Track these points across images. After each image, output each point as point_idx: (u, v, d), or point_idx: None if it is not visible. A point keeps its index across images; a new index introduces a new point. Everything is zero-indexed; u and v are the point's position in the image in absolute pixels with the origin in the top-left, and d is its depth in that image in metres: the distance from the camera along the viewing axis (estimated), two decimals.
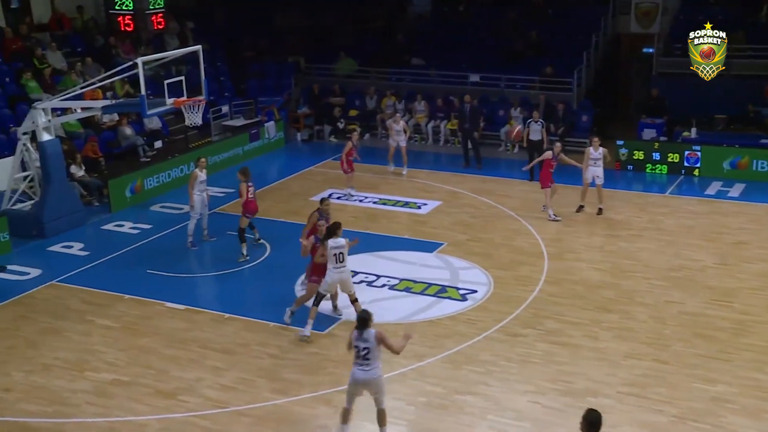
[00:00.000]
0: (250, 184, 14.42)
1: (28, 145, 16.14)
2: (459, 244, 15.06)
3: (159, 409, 10.02)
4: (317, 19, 26.72)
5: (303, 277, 12.73)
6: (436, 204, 17.40)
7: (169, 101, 15.38)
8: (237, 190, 14.79)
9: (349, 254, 11.53)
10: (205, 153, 18.68)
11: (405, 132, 19.49)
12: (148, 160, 19.27)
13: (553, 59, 22.58)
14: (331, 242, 11.30)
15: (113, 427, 9.70)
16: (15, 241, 15.38)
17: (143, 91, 14.96)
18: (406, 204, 17.50)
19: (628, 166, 19.50)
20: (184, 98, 15.61)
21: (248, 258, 14.45)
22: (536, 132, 18.73)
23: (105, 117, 19.43)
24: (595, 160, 16.05)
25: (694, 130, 19.84)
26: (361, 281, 13.48)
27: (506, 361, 10.92)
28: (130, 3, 21.38)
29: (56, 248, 15.41)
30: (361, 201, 17.68)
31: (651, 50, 22.82)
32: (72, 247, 15.46)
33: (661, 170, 19.26)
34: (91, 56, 21.00)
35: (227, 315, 12.47)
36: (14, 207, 16.14)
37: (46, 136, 15.80)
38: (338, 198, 17.56)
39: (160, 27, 22.53)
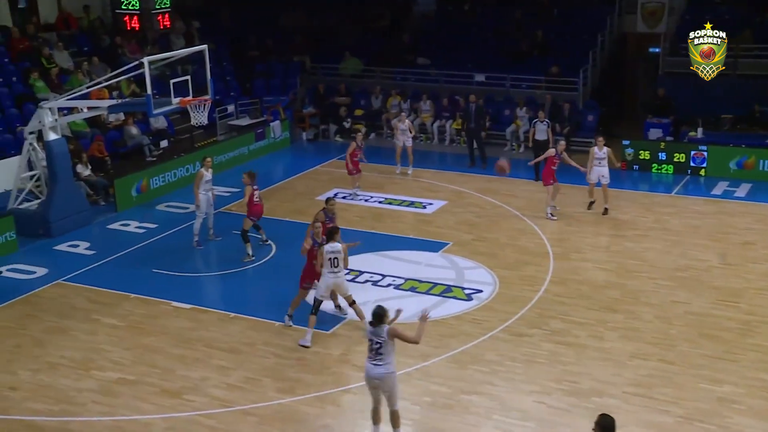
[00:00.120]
0: (255, 187, 14.42)
1: (35, 144, 16.18)
2: (464, 244, 15.05)
3: (164, 408, 10.04)
4: (323, 18, 26.74)
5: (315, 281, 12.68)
6: (441, 204, 17.39)
7: (175, 101, 15.41)
8: (243, 190, 14.79)
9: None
10: (211, 152, 18.69)
11: (410, 131, 19.47)
12: (154, 159, 19.31)
13: (559, 59, 22.55)
14: (327, 247, 11.28)
15: (119, 426, 9.72)
16: (22, 240, 15.43)
17: (149, 91, 14.98)
18: (411, 204, 17.50)
19: (634, 166, 19.47)
20: (190, 98, 15.63)
21: (254, 258, 14.47)
22: (542, 132, 18.72)
23: (111, 116, 19.48)
24: (599, 160, 16.03)
25: (700, 129, 19.79)
26: (367, 281, 13.49)
27: (511, 361, 10.91)
28: (136, 3, 21.44)
29: (62, 247, 15.46)
30: (366, 201, 17.68)
31: (657, 50, 22.77)
32: (78, 246, 15.50)
33: (667, 170, 19.22)
34: (98, 56, 21.04)
35: (233, 314, 12.50)
36: (21, 206, 16.20)
37: (52, 136, 15.85)
38: (343, 197, 17.57)
39: (166, 27, 22.58)
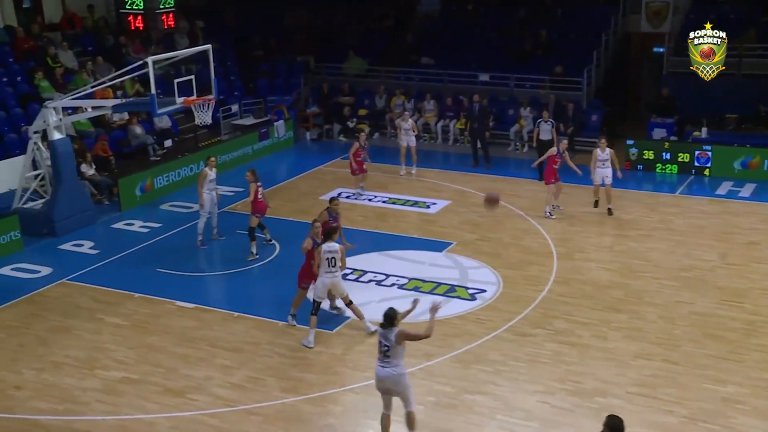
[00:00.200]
0: (259, 184, 14.46)
1: (39, 144, 16.22)
2: (468, 244, 15.04)
3: (168, 407, 10.06)
4: (327, 18, 26.76)
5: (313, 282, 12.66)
6: (445, 203, 17.39)
7: (179, 100, 15.43)
8: (247, 189, 14.81)
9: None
10: (215, 152, 18.71)
11: (413, 131, 19.45)
12: (158, 159, 19.34)
13: (563, 59, 22.52)
14: (324, 246, 11.28)
15: (123, 425, 9.74)
16: (26, 239, 15.46)
17: (153, 90, 15.00)
18: (415, 203, 17.50)
19: (638, 166, 19.44)
20: (194, 97, 15.65)
21: (257, 256, 14.49)
22: (546, 132, 18.69)
23: (115, 116, 19.52)
24: (603, 162, 16.03)
25: (704, 129, 19.75)
26: (370, 280, 13.49)
27: (515, 360, 10.91)
28: (140, 2, 21.50)
29: (67, 246, 15.49)
30: (370, 200, 17.68)
31: (661, 49, 22.73)
32: (82, 245, 15.53)
33: (671, 170, 19.19)
34: (102, 55, 21.09)
35: (237, 314, 12.51)
36: (25, 205, 16.24)
37: (57, 135, 15.88)
38: (347, 197, 17.57)
39: (170, 26, 22.61)
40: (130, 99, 18.82)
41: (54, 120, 15.79)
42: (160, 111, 15.66)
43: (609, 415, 6.98)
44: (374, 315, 12.19)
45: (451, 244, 15.06)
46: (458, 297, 12.84)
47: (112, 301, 13.08)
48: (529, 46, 23.60)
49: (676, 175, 19.05)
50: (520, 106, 21.69)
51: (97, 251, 15.21)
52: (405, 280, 13.44)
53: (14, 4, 21.82)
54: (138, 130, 19.62)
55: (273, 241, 15.11)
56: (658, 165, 19.30)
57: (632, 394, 10.03)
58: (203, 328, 12.09)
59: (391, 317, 8.74)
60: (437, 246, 15.00)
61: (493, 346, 11.32)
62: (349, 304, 11.65)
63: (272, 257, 14.67)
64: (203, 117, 15.90)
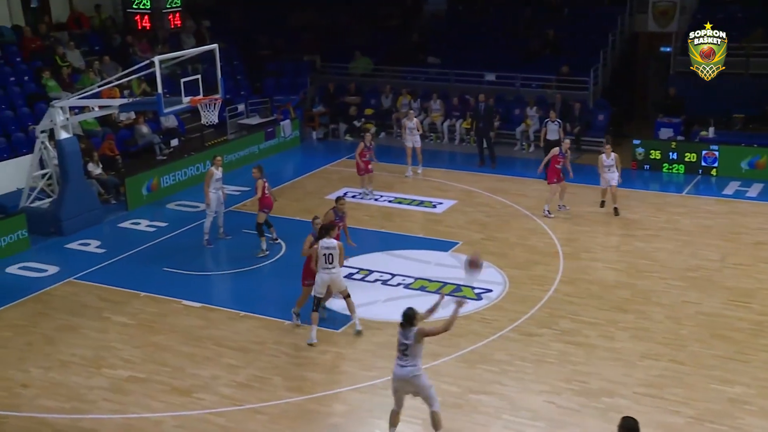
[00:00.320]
0: (265, 180, 14.49)
1: (47, 143, 16.27)
2: (474, 243, 15.02)
3: (174, 406, 10.08)
4: (333, 18, 26.75)
5: None
6: (451, 203, 17.37)
7: (186, 100, 15.45)
8: (254, 187, 14.82)
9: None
10: (221, 151, 18.75)
11: (418, 130, 19.39)
12: (165, 158, 19.37)
13: (570, 58, 22.48)
14: (322, 242, 11.27)
15: (129, 424, 9.76)
16: (33, 238, 15.51)
17: (160, 90, 15.03)
18: (421, 203, 17.49)
19: (645, 166, 19.39)
20: (201, 97, 15.67)
21: (268, 252, 14.52)
22: (553, 132, 18.65)
23: (122, 115, 19.56)
24: (608, 167, 16.04)
25: (711, 129, 19.68)
26: (376, 280, 13.49)
27: (521, 360, 10.89)
28: (147, 2, 21.51)
29: (74, 246, 15.53)
30: (376, 200, 17.68)
31: (668, 49, 22.66)
32: (89, 244, 15.57)
33: (678, 170, 19.14)
34: (109, 55, 21.13)
35: (243, 313, 12.52)
36: (33, 204, 16.29)
37: (64, 135, 15.92)
38: (353, 197, 17.57)
39: (177, 26, 22.64)
40: (137, 98, 18.85)
41: (61, 119, 15.83)
42: (166, 110, 15.68)
43: (624, 417, 6.95)
44: (380, 314, 12.24)
45: (457, 243, 15.05)
46: (464, 297, 12.78)
47: (119, 300, 13.11)
48: (535, 45, 23.56)
49: (683, 175, 18.99)
50: (527, 106, 21.65)
51: (103, 250, 15.25)
52: (411, 280, 13.43)
53: (22, 3, 21.87)
54: (144, 129, 19.66)
55: (279, 240, 15.13)
56: (664, 165, 19.24)
57: (639, 395, 10.01)
58: (209, 327, 12.11)
59: (410, 317, 8.66)
60: (443, 246, 14.99)
61: (499, 345, 11.31)
62: (346, 297, 11.64)
63: (278, 257, 14.68)
64: (210, 116, 15.91)
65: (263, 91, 23.93)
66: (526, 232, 15.56)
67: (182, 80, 15.63)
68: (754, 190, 17.77)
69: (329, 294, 12.02)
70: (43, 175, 16.56)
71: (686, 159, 19.03)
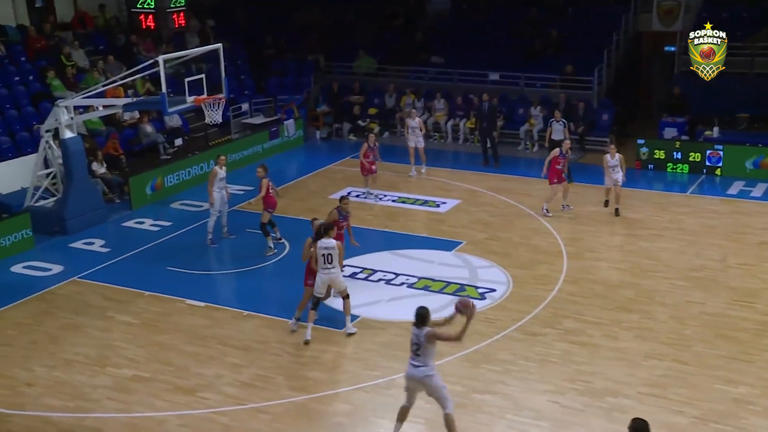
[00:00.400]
0: (269, 179, 14.51)
1: (51, 142, 16.30)
2: (478, 243, 15.02)
3: (178, 405, 10.09)
4: (337, 17, 26.77)
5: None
6: (455, 202, 17.37)
7: (190, 99, 15.46)
8: (257, 186, 14.81)
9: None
10: (225, 151, 18.72)
11: (421, 129, 19.35)
12: (169, 157, 19.40)
13: (574, 58, 22.45)
14: (320, 243, 11.27)
15: (133, 423, 9.77)
16: (38, 237, 15.54)
17: (164, 89, 15.05)
18: (425, 202, 17.49)
19: (649, 166, 19.35)
20: (205, 96, 15.69)
21: (276, 251, 14.54)
22: (558, 132, 18.60)
23: (126, 115, 19.60)
24: (613, 168, 16.02)
25: (716, 129, 19.64)
26: (380, 279, 13.49)
27: (525, 360, 10.89)
28: (151, 1, 21.53)
29: (78, 245, 15.56)
30: (380, 199, 17.67)
31: (673, 48, 22.62)
32: (93, 243, 15.60)
33: (682, 169, 19.10)
34: (113, 54, 21.17)
35: (246, 312, 12.53)
36: (37, 204, 16.32)
37: (68, 134, 15.96)
38: (357, 196, 17.57)
39: (181, 25, 22.66)
40: (141, 98, 18.88)
41: (65, 119, 15.87)
42: (170, 110, 15.70)
43: (634, 419, 6.94)
44: (383, 314, 12.25)
45: (460, 243, 15.04)
46: (468, 296, 12.79)
47: (123, 299, 13.13)
48: (539, 45, 23.53)
49: (687, 175, 18.95)
50: (530, 106, 21.64)
51: (107, 249, 15.28)
52: (414, 279, 13.43)
53: (26, 3, 21.93)
54: (149, 128, 19.69)
55: (283, 240, 15.14)
56: (669, 164, 19.21)
57: (643, 394, 9.99)
58: (213, 327, 12.13)
59: (422, 316, 8.62)
60: (447, 245, 14.98)
61: (503, 345, 11.30)
62: (345, 297, 11.64)
63: (282, 256, 14.69)
64: (214, 116, 15.93)
65: (267, 91, 23.94)
66: (530, 232, 15.54)
67: (186, 80, 15.64)
68: (759, 189, 17.73)
69: (328, 294, 12.03)
70: (48, 175, 16.59)
71: (690, 159, 19.00)
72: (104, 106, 17.17)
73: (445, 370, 10.64)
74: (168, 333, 11.98)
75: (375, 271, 13.76)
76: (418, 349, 8.62)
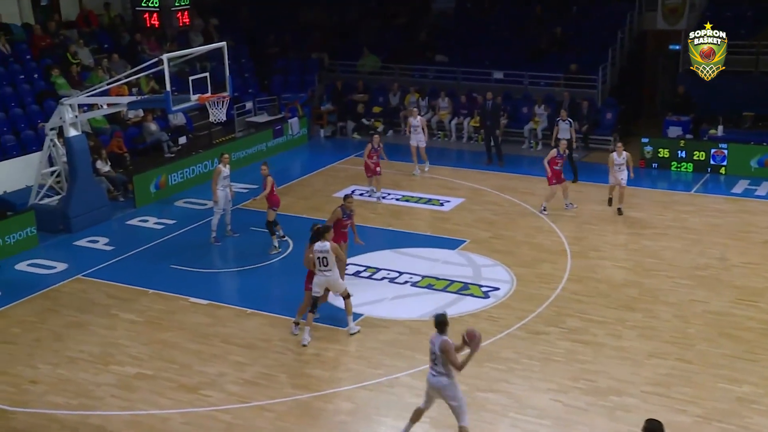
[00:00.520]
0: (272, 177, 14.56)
1: (56, 140, 16.34)
2: (481, 242, 15.01)
3: (182, 403, 10.11)
4: (341, 15, 26.78)
5: None
6: (458, 201, 17.36)
7: (194, 97, 15.49)
8: (261, 184, 14.82)
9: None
10: (229, 149, 18.78)
11: (423, 129, 19.30)
12: (173, 155, 19.43)
13: (578, 56, 22.42)
14: (316, 246, 11.27)
15: (137, 420, 9.79)
16: (42, 235, 15.57)
17: (168, 88, 15.06)
18: (428, 201, 17.48)
19: (653, 164, 19.32)
20: (209, 94, 15.72)
21: (280, 249, 14.55)
22: (565, 131, 18.55)
23: (130, 113, 19.63)
24: (619, 166, 15.99)
25: (720, 127, 19.60)
26: (384, 278, 13.49)
27: (528, 359, 10.88)
28: (155, 0, 21.54)
29: (82, 243, 15.59)
30: (384, 198, 17.67)
31: (677, 47, 22.57)
32: (97, 241, 15.63)
33: (686, 168, 19.06)
34: (118, 53, 21.21)
35: (250, 310, 12.54)
36: (41, 202, 16.36)
37: (72, 132, 15.99)
38: (360, 195, 17.57)
39: (186, 24, 22.66)
40: (145, 96, 18.89)
41: (70, 117, 15.90)
42: (174, 108, 15.71)
43: (648, 420, 6.91)
44: (387, 312, 12.25)
45: (464, 241, 15.03)
46: (471, 295, 12.81)
47: (127, 297, 13.15)
48: (543, 43, 23.51)
49: (692, 174, 18.91)
50: (535, 104, 21.61)
51: (111, 247, 15.30)
52: (418, 278, 13.42)
53: (32, 2, 21.97)
54: (153, 127, 19.72)
55: (286, 238, 15.15)
56: (673, 163, 19.17)
57: (646, 393, 9.98)
58: (216, 325, 12.14)
59: (441, 323, 8.55)
60: (450, 244, 14.97)
61: (506, 344, 11.29)
62: (346, 297, 11.64)
63: (285, 254, 14.70)
64: (218, 114, 15.95)
65: (271, 89, 23.96)
66: (534, 231, 15.53)
67: (190, 78, 15.68)
68: (764, 188, 17.68)
69: (326, 295, 12.04)
70: (52, 173, 16.62)
71: (695, 157, 18.96)
72: (108, 105, 17.20)
73: None
74: (171, 331, 12.00)
75: (378, 270, 13.77)
76: (435, 359, 8.57)
